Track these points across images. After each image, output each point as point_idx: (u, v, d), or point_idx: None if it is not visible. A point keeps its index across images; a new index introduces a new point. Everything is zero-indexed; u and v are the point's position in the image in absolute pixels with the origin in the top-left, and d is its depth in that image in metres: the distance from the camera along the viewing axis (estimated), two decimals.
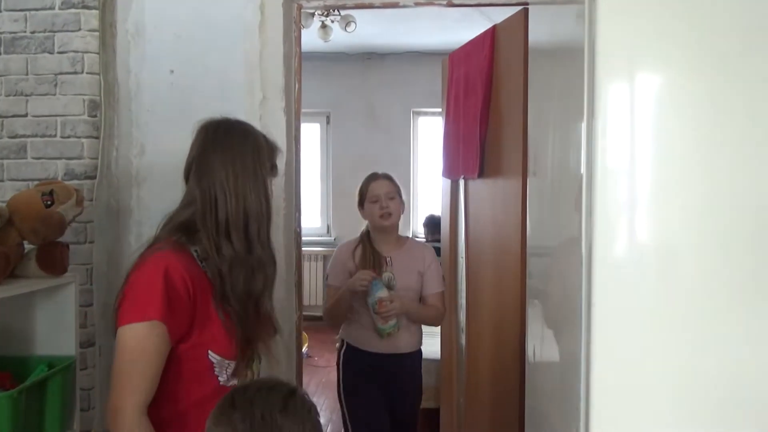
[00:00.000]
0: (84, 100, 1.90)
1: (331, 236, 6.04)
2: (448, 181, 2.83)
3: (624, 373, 0.96)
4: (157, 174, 1.97)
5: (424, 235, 5.13)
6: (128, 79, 1.97)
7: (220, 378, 1.23)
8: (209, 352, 1.20)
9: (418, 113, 6.11)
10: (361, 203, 2.30)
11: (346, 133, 6.01)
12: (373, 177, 2.32)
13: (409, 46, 5.67)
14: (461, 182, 2.63)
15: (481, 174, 2.43)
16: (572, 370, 1.04)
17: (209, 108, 1.97)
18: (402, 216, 2.36)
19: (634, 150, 1.00)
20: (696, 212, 0.99)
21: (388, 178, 2.32)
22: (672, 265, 0.98)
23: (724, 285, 0.98)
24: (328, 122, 6.12)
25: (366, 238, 2.29)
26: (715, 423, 0.97)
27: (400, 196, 2.31)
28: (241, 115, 1.95)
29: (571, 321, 1.04)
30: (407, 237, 2.45)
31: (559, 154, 1.30)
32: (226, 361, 1.23)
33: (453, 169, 2.66)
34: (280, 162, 1.95)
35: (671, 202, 0.99)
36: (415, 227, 5.89)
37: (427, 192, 5.92)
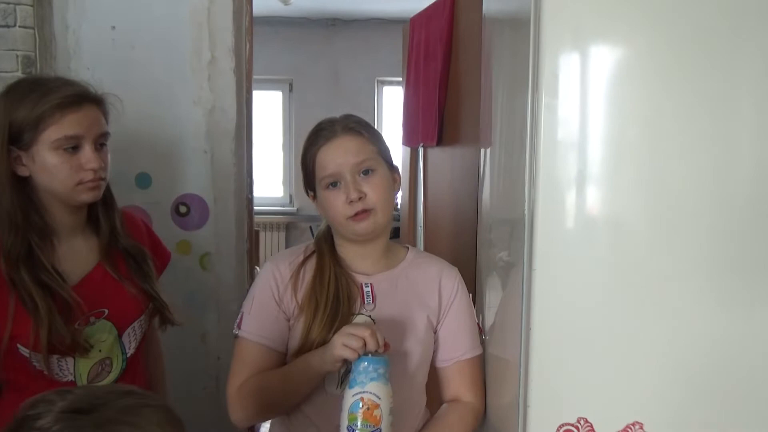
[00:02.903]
0: (17, 56, 1.78)
1: (293, 206, 5.95)
2: (408, 149, 2.79)
3: (565, 345, 0.95)
4: None
5: None
6: (66, 35, 1.85)
7: (47, 373, 1.12)
8: (18, 345, 1.10)
9: (383, 82, 6.02)
10: (310, 186, 1.20)
11: (310, 101, 5.88)
12: (325, 134, 1.16)
13: (374, 12, 5.54)
14: (420, 150, 2.59)
15: (440, 142, 2.39)
16: (513, 341, 1.02)
17: (153, 68, 1.89)
18: (396, 199, 1.26)
19: (584, 122, 0.97)
20: (644, 185, 0.96)
21: (353, 130, 1.16)
22: (620, 238, 0.96)
23: (673, 260, 0.96)
24: (291, 90, 5.98)
25: (324, 245, 1.20)
26: (659, 396, 0.96)
27: (387, 161, 1.19)
28: (188, 76, 1.88)
29: (516, 293, 1.02)
30: (406, 247, 1.29)
31: (508, 125, 1.27)
32: (38, 354, 1.09)
33: (412, 136, 2.61)
34: (225, 122, 1.88)
35: (618, 175, 0.96)
36: None
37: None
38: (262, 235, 5.18)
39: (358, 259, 1.19)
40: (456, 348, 1.21)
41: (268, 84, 5.74)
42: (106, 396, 0.70)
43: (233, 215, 1.91)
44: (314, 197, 1.20)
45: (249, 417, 1.15)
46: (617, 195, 0.97)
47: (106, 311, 1.19)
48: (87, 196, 1.15)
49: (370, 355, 1.00)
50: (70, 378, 1.16)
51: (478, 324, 1.27)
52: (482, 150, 1.69)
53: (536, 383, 0.92)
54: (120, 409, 0.68)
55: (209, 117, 1.87)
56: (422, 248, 2.57)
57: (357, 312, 1.15)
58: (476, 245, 2.03)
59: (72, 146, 1.11)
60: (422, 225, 2.58)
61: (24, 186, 1.14)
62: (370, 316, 1.15)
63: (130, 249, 1.25)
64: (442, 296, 1.21)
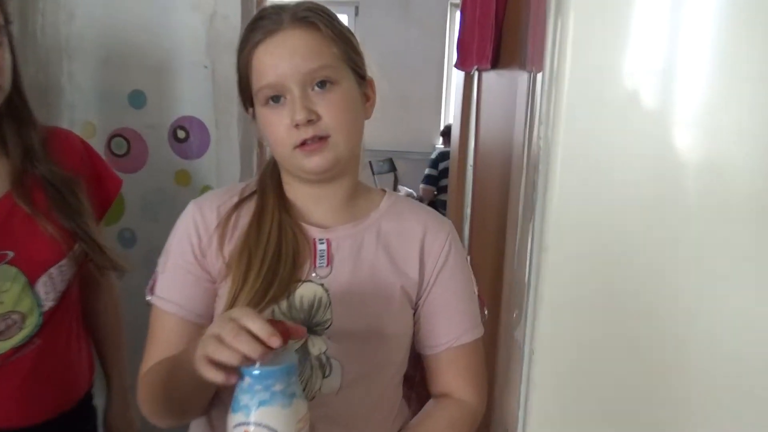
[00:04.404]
0: None
1: None
2: (462, 74, 2.41)
3: (597, 333, 0.62)
4: (90, 46, 1.63)
5: (442, 144, 4.80)
6: None
7: None
8: None
9: (456, 5, 5.49)
10: (247, 98, 0.87)
11: (377, 26, 5.48)
12: (266, 24, 0.82)
13: None
14: (475, 74, 2.21)
15: (496, 64, 2.00)
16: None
17: None
18: (365, 125, 0.88)
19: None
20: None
21: (306, 21, 0.81)
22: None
23: None
24: (356, 13, 5.59)
25: (269, 184, 0.90)
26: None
27: (356, 69, 0.86)
28: None
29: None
30: (382, 191, 0.95)
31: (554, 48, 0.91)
32: None
33: (466, 57, 2.22)
34: (228, 31, 1.58)
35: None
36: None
37: None
38: None
39: (312, 205, 0.88)
40: (447, 330, 0.89)
41: (331, 7, 5.34)
42: None
43: (237, 143, 1.64)
44: (250, 111, 0.88)
45: (151, 415, 0.87)
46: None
47: (11, 254, 0.95)
48: None
49: (258, 363, 0.64)
50: None
51: (479, 295, 0.94)
52: (529, 74, 1.32)
53: (541, 392, 0.60)
54: None
55: (209, 25, 1.58)
56: (470, 191, 2.22)
57: (304, 278, 0.84)
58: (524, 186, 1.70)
59: None
60: (472, 164, 2.22)
61: None
62: (322, 285, 0.84)
63: (52, 177, 1.00)
64: (426, 261, 0.89)
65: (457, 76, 2.62)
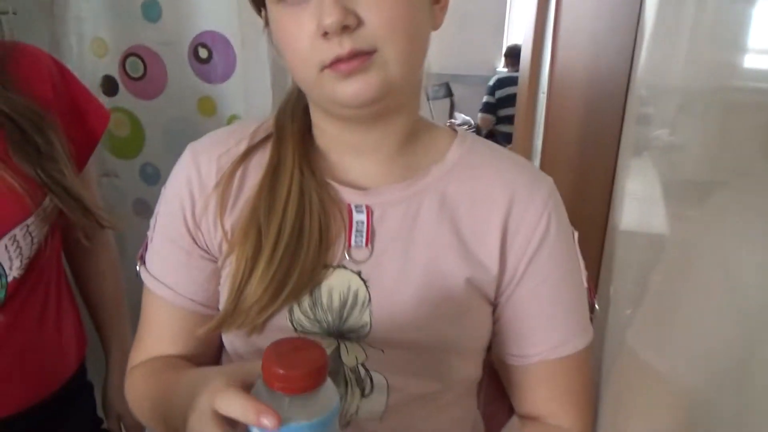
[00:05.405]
0: None
1: None
2: None
3: None
4: None
5: (504, 67, 4.38)
6: None
7: None
8: None
9: None
10: None
11: None
12: None
13: None
14: None
15: None
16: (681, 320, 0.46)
17: None
18: (435, 36, 0.59)
19: None
20: None
21: None
22: None
23: None
24: None
25: (290, 126, 0.63)
26: None
27: None
28: None
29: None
30: (453, 131, 0.67)
31: None
32: None
33: None
34: None
35: None
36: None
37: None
38: None
39: (351, 156, 0.62)
40: (540, 338, 0.64)
41: None
42: None
43: (268, 64, 1.37)
44: (264, 17, 0.60)
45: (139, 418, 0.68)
46: None
47: None
48: None
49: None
50: None
51: (588, 286, 0.67)
52: None
53: None
54: None
55: None
56: (542, 121, 1.90)
57: (336, 263, 0.59)
58: (620, 119, 1.41)
59: None
60: (546, 90, 1.89)
61: None
62: (359, 274, 0.59)
63: (12, 110, 0.77)
64: (511, 243, 0.62)
65: None
